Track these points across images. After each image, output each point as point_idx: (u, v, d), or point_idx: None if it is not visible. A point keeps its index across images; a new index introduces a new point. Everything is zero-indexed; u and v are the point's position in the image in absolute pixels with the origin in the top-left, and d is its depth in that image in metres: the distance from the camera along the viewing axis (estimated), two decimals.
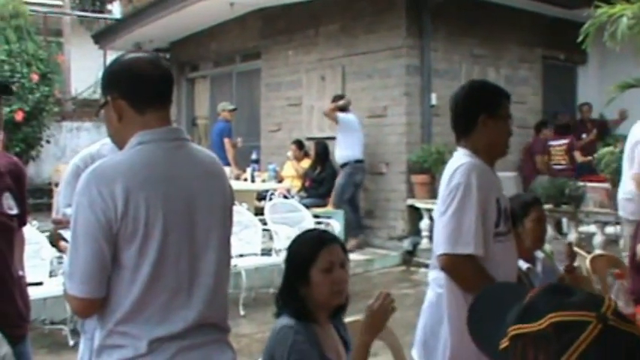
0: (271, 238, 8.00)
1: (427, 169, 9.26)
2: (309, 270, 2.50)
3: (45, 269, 6.02)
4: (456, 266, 2.86)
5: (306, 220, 8.40)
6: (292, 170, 10.41)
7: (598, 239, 7.80)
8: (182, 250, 2.07)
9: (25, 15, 12.04)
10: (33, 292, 5.08)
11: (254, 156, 10.62)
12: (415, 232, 9.63)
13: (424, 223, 9.42)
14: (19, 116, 11.41)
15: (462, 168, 2.87)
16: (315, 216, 8.67)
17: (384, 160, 9.90)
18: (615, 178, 7.49)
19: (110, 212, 1.97)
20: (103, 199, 1.97)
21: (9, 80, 10.34)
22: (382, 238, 9.96)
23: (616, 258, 5.23)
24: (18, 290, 2.80)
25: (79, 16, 17.65)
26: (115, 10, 18.90)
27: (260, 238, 7.71)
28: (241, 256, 7.18)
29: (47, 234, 5.77)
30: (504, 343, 1.14)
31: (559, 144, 10.13)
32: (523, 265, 3.54)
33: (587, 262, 4.72)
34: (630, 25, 6.73)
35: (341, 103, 9.59)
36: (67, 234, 2.31)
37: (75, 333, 5.77)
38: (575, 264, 3.96)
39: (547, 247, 4.20)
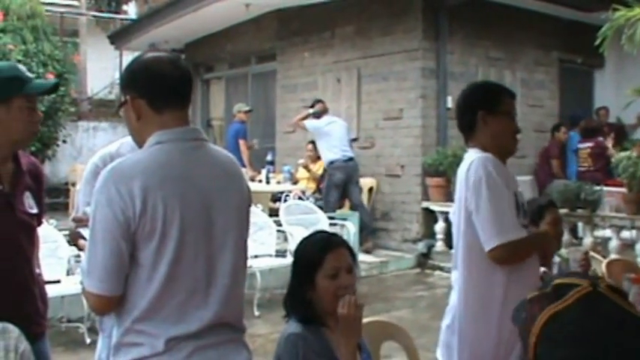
0: (286, 239, 8.03)
1: (442, 171, 9.24)
2: (314, 275, 2.47)
3: (62, 267, 6.07)
4: (512, 252, 2.85)
5: (320, 221, 8.39)
6: (306, 172, 10.40)
7: (614, 244, 7.75)
8: (199, 250, 2.07)
9: (42, 15, 12.07)
10: (50, 290, 5.12)
11: (269, 157, 10.65)
12: (430, 234, 9.61)
13: (439, 226, 9.40)
14: None
15: (476, 162, 2.88)
16: (330, 217, 8.65)
17: (400, 163, 9.89)
18: (632, 183, 7.45)
19: (128, 211, 1.98)
20: (122, 198, 1.98)
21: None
22: (397, 241, 9.95)
23: (632, 263, 5.21)
24: (37, 288, 2.81)
25: (95, 16, 17.74)
26: (131, 11, 18.98)
27: (274, 239, 7.73)
28: (256, 257, 7.18)
29: (65, 232, 5.78)
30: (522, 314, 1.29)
31: (584, 147, 10.11)
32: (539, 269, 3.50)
33: (603, 266, 4.69)
34: None
35: (310, 111, 9.79)
36: (86, 232, 2.29)
37: (92, 331, 5.80)
38: (589, 273, 3.95)
39: (563, 251, 4.16)
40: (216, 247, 2.11)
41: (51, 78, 11.69)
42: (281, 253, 7.75)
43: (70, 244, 5.51)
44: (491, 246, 2.81)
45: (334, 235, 2.74)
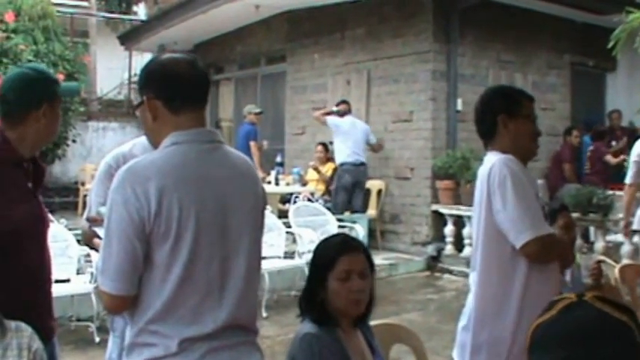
0: (294, 241, 8.00)
1: (452, 174, 9.22)
2: (327, 276, 2.48)
3: (72, 267, 6.08)
4: (546, 247, 2.85)
5: (330, 223, 8.37)
6: (316, 174, 10.38)
7: (626, 248, 7.69)
8: (214, 252, 2.07)
9: (53, 16, 12.07)
10: (60, 290, 5.30)
11: (278, 159, 10.66)
12: (439, 237, 9.58)
13: (448, 229, 9.38)
14: None
15: (498, 163, 2.88)
16: (339, 220, 8.63)
17: (409, 165, 9.87)
18: None
19: (143, 211, 1.98)
20: (137, 198, 1.98)
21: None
22: (406, 243, 9.92)
23: None
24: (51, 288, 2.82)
25: (105, 17, 17.78)
26: (141, 12, 19.00)
27: (283, 241, 7.71)
28: (264, 258, 7.13)
29: (78, 232, 5.82)
30: None
31: (588, 150, 10.09)
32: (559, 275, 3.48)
33: (616, 271, 4.64)
34: None
35: (334, 109, 9.82)
36: (101, 231, 2.32)
37: (101, 330, 5.85)
38: (602, 280, 3.94)
39: (577, 256, 4.12)
40: (231, 249, 2.11)
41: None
42: (289, 255, 7.74)
43: (81, 244, 5.58)
44: (523, 241, 2.80)
45: (352, 239, 2.73)
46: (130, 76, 16.70)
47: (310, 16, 11.26)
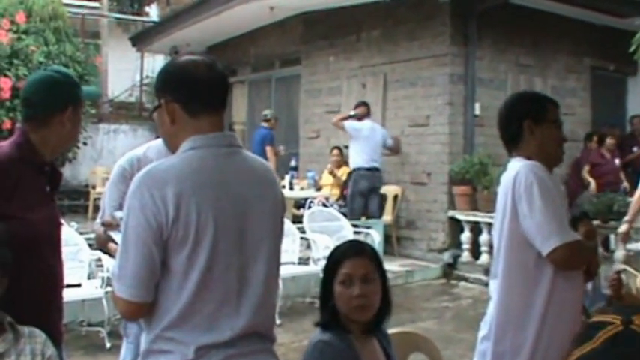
0: (309, 246, 7.95)
1: (469, 180, 9.15)
2: (332, 281, 2.49)
3: (84, 271, 6.10)
4: (573, 253, 2.85)
5: (345, 229, 8.30)
6: (331, 179, 10.28)
7: None
8: (231, 259, 2.05)
9: (64, 17, 12.02)
10: (71, 294, 5.38)
11: (292, 163, 10.59)
12: (456, 244, 9.48)
13: (465, 236, 9.30)
14: None
15: (524, 169, 2.86)
16: (354, 225, 8.56)
17: (426, 170, 9.77)
18: None
19: (161, 217, 1.96)
20: (155, 203, 1.97)
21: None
22: (422, 250, 9.83)
23: None
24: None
25: (116, 18, 17.78)
26: (153, 13, 19.01)
27: (297, 246, 7.65)
28: None
29: (89, 235, 5.84)
30: None
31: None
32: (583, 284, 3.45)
33: (638, 281, 4.55)
34: None
35: (352, 113, 9.72)
36: (116, 236, 2.34)
37: (112, 335, 5.86)
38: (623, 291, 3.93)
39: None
40: (249, 255, 2.09)
41: None
42: (304, 261, 7.70)
43: (92, 248, 5.55)
44: (551, 247, 2.78)
45: (360, 243, 2.75)
46: (141, 78, 16.67)
47: (325, 18, 11.18)
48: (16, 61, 10.56)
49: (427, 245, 9.78)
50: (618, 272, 4.19)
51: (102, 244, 2.84)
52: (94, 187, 12.88)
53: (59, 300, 2.75)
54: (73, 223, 6.21)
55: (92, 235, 5.24)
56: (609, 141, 10.24)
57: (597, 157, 10.20)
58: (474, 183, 9.09)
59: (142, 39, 14.62)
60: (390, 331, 2.70)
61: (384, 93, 10.28)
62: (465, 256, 9.29)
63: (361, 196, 9.51)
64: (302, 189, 10.20)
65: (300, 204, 9.68)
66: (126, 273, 2.00)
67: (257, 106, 12.04)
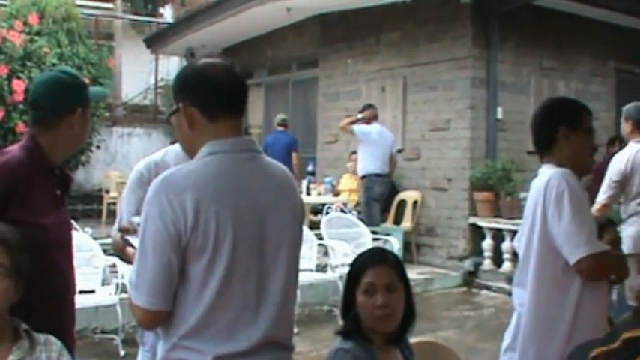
0: (326, 253, 7.88)
1: (491, 186, 9.04)
2: (355, 290, 2.46)
3: (98, 277, 6.04)
4: (601, 264, 2.86)
5: (363, 236, 8.21)
6: (350, 184, 10.14)
7: None
8: (250, 266, 2.02)
9: (77, 18, 12.02)
10: (85, 300, 5.40)
11: (310, 168, 10.51)
12: (477, 252, 9.35)
13: (487, 243, 9.18)
14: None
15: (556, 176, 2.87)
16: (373, 232, 8.46)
17: (447, 176, 9.64)
18: None
19: (180, 224, 1.93)
20: (173, 210, 1.94)
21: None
22: (442, 257, 9.71)
23: None
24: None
25: (130, 19, 17.80)
26: (167, 14, 19.00)
27: (315, 253, 7.57)
28: None
29: (103, 241, 5.86)
30: None
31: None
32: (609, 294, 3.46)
33: None
34: None
35: (360, 116, 9.59)
36: (134, 241, 2.32)
37: (126, 343, 5.83)
38: None
39: None
40: (268, 263, 2.06)
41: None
42: (321, 268, 7.63)
43: (107, 254, 5.45)
44: (578, 256, 2.78)
45: (383, 251, 2.69)
46: (156, 81, 16.61)
47: (343, 20, 11.09)
48: (28, 63, 10.55)
49: (447, 252, 9.65)
50: None
51: (119, 250, 2.79)
52: (107, 192, 12.82)
53: (71, 305, 2.74)
54: (87, 229, 6.24)
55: (106, 241, 5.13)
56: None
57: None
58: (497, 189, 8.97)
59: (156, 41, 14.59)
60: (411, 340, 2.64)
61: (403, 96, 10.17)
62: (487, 263, 9.18)
63: (377, 203, 9.44)
64: (319, 194, 10.12)
65: (317, 210, 9.61)
66: (143, 281, 1.98)
67: (273, 110, 11.96)
